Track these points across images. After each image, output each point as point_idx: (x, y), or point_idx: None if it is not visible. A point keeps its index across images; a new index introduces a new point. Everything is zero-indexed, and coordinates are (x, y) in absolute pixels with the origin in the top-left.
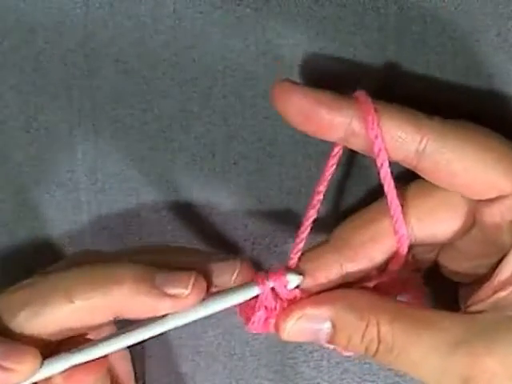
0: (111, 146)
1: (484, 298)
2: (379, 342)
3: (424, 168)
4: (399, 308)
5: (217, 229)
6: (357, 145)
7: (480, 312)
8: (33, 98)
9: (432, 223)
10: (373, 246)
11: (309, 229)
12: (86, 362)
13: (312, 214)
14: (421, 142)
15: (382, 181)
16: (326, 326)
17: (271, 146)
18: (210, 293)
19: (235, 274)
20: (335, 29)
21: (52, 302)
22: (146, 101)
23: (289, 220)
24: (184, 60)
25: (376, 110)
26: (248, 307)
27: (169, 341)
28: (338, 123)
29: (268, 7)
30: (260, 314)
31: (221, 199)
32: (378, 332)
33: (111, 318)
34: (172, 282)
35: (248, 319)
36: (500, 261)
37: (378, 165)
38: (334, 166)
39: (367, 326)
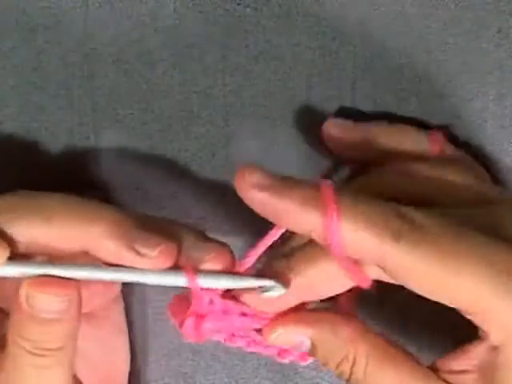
0: (111, 146)
1: (454, 371)
2: (351, 374)
3: (385, 272)
4: (376, 345)
5: (217, 228)
6: (316, 239)
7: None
8: (33, 98)
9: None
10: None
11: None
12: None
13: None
14: (380, 261)
15: None
16: (306, 344)
17: (271, 146)
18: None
19: (211, 255)
20: (335, 29)
21: (31, 217)
22: (146, 101)
23: None
24: (184, 60)
25: (338, 214)
26: (179, 309)
27: (169, 341)
28: (303, 224)
29: (268, 7)
30: (190, 320)
31: (221, 199)
32: (352, 366)
33: (80, 251)
34: (143, 241)
35: (180, 324)
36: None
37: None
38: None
39: (343, 360)
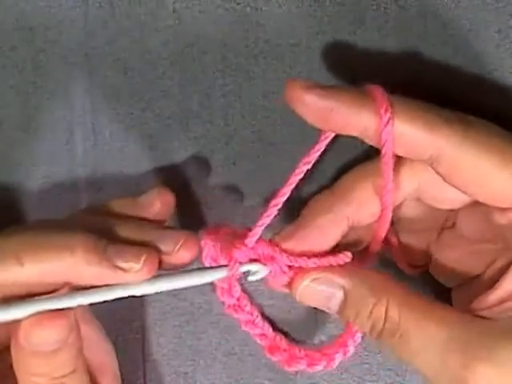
0: (111, 146)
1: (491, 305)
2: (385, 320)
3: (438, 171)
4: (408, 294)
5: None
6: (367, 139)
7: (485, 318)
8: (32, 98)
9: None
10: (375, 200)
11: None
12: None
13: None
14: (435, 151)
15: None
16: (338, 294)
17: (271, 146)
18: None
19: (179, 245)
20: (335, 28)
21: (1, 263)
22: (146, 101)
23: (289, 219)
24: (184, 60)
25: (392, 111)
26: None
27: (169, 341)
28: (354, 124)
29: (268, 7)
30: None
31: (220, 199)
32: (386, 311)
33: (61, 283)
34: (123, 256)
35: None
36: (507, 265)
37: (383, 164)
38: (319, 153)
39: (377, 304)
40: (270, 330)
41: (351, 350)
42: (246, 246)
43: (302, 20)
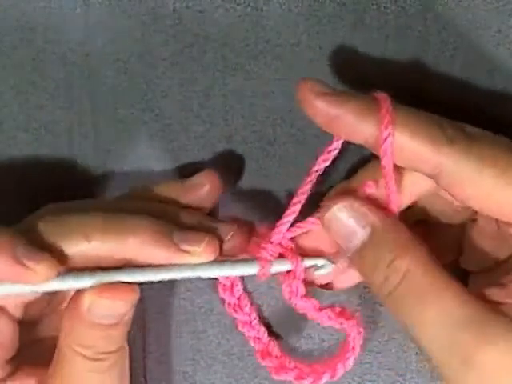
0: (111, 146)
1: (507, 291)
2: (404, 277)
3: (440, 186)
4: (434, 260)
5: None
6: (371, 148)
7: (501, 303)
8: (32, 98)
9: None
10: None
11: (299, 206)
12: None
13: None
14: (436, 167)
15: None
16: (363, 232)
17: (271, 146)
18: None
19: (229, 235)
20: (335, 28)
21: (71, 238)
22: (146, 101)
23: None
24: (184, 60)
25: (394, 124)
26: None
27: (169, 340)
28: (358, 133)
29: (268, 7)
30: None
31: (220, 199)
32: (408, 267)
33: (124, 261)
34: (188, 240)
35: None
36: None
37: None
38: (329, 161)
39: (400, 256)
40: (266, 334)
41: (340, 373)
42: (271, 243)
43: (302, 20)
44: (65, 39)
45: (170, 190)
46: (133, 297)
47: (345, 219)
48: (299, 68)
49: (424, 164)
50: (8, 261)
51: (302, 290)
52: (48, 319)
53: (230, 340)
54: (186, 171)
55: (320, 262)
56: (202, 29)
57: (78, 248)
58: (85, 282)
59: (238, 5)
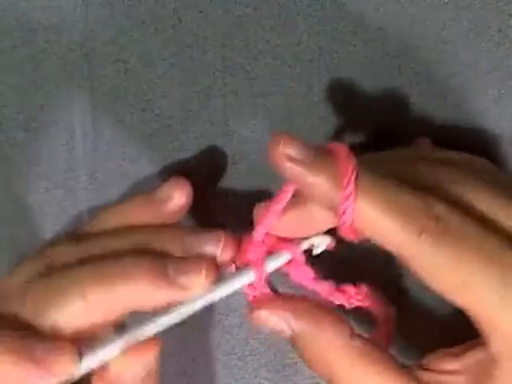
0: (111, 146)
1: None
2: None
3: (408, 267)
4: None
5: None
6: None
7: None
8: (32, 98)
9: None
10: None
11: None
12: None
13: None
14: (400, 248)
15: None
16: (288, 332)
17: None
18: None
19: (221, 245)
20: (335, 28)
21: (66, 298)
22: (146, 101)
23: None
24: (184, 60)
25: (354, 200)
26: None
27: (169, 340)
28: (324, 202)
29: (268, 7)
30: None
31: (221, 199)
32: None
33: (125, 313)
34: (185, 272)
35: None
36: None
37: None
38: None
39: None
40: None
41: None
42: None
43: (302, 20)
44: (65, 39)
45: (136, 206)
46: (155, 352)
47: (268, 319)
48: (299, 68)
49: (386, 240)
50: (27, 364)
51: (310, 273)
52: None
53: (230, 340)
54: (186, 171)
55: (316, 240)
56: (202, 29)
57: (75, 310)
58: (111, 350)
59: (237, 5)
